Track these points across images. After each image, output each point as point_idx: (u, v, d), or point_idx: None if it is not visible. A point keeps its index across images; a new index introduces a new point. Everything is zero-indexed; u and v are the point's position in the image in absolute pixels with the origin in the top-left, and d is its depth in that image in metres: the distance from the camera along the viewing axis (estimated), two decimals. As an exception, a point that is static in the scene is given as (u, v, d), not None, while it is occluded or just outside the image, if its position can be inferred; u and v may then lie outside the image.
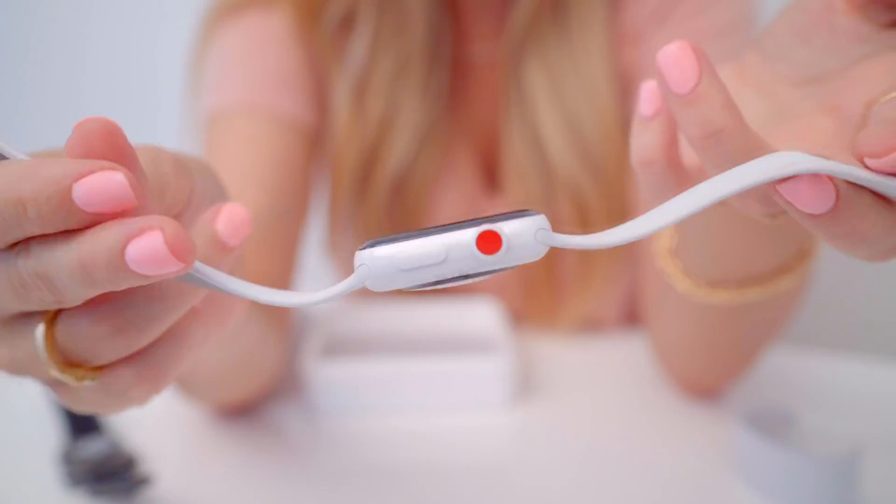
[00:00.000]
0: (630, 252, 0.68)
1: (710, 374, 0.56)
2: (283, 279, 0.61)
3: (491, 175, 0.71)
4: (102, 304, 0.24)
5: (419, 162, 0.68)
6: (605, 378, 0.62)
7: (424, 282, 0.23)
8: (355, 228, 0.71)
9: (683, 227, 0.46)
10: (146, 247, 0.21)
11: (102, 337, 0.24)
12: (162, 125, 1.16)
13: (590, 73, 0.63)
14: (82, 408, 0.27)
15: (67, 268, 0.22)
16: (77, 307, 0.24)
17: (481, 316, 0.65)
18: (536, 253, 0.22)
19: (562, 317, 0.69)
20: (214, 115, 0.64)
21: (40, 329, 0.24)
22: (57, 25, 1.54)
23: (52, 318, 0.25)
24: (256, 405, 0.57)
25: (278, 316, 0.56)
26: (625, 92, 0.65)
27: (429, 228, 0.22)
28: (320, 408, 0.56)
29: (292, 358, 0.62)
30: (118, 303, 0.25)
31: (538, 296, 0.70)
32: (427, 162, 0.68)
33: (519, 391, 0.58)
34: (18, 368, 0.26)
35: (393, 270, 0.22)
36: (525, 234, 0.22)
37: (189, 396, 0.52)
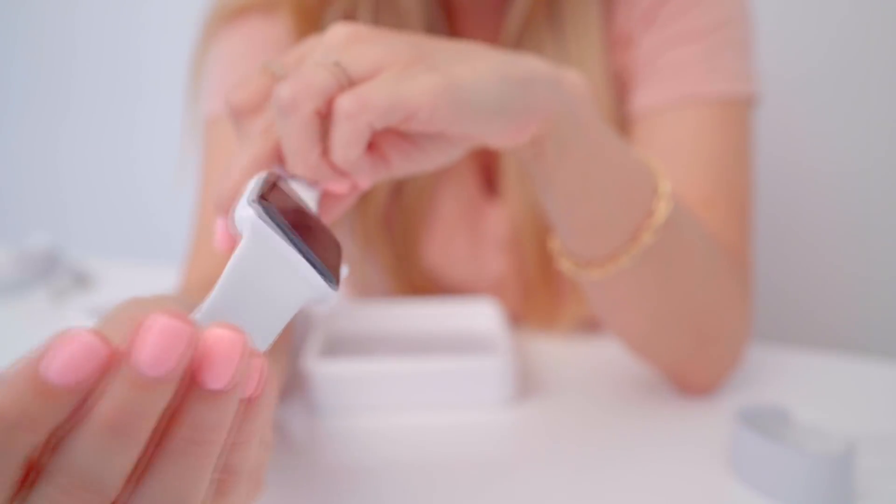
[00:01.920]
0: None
1: (671, 363, 0.57)
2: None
3: (489, 178, 0.72)
4: None
5: None
6: (603, 377, 0.62)
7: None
8: (354, 232, 0.72)
9: (549, 212, 0.49)
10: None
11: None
12: (163, 128, 1.17)
13: (585, 74, 0.64)
14: None
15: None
16: None
17: (481, 316, 0.66)
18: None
19: (559, 318, 0.70)
20: (213, 119, 0.64)
21: None
22: (57, 26, 1.54)
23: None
24: None
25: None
26: (623, 91, 0.66)
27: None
28: (321, 406, 0.57)
29: (293, 357, 0.63)
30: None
31: (536, 298, 0.70)
32: None
33: (518, 390, 0.59)
34: None
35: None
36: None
37: None
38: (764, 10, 0.73)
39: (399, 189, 0.69)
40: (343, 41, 0.37)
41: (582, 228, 0.48)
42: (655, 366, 0.58)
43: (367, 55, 0.36)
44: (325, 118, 0.35)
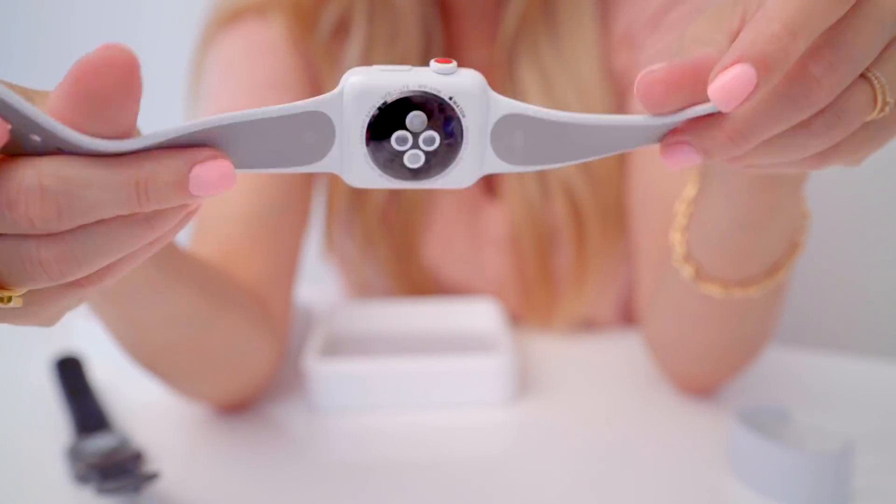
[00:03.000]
0: (625, 253, 0.69)
1: (703, 371, 0.57)
2: (283, 277, 0.61)
3: (488, 178, 0.72)
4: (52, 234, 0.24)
5: None
6: (603, 376, 0.63)
7: (392, 89, 0.27)
8: (353, 232, 0.72)
9: (694, 212, 0.47)
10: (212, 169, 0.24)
11: (46, 263, 0.24)
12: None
13: (581, 74, 0.64)
14: None
15: (119, 186, 0.23)
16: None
17: (481, 315, 0.66)
18: (475, 87, 0.27)
19: (558, 317, 0.70)
20: None
21: None
22: (54, 27, 1.54)
23: None
24: (251, 402, 0.58)
25: (271, 317, 0.57)
26: (621, 93, 0.66)
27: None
28: (321, 405, 0.57)
29: (293, 356, 0.63)
30: (71, 234, 0.24)
31: (535, 297, 0.71)
32: None
33: (517, 389, 0.59)
34: None
35: (371, 72, 0.27)
36: (469, 71, 0.28)
37: (176, 386, 0.53)
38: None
39: (397, 189, 0.69)
40: None
41: (734, 252, 0.45)
42: (680, 372, 0.58)
43: None
44: None
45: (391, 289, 0.74)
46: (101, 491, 0.44)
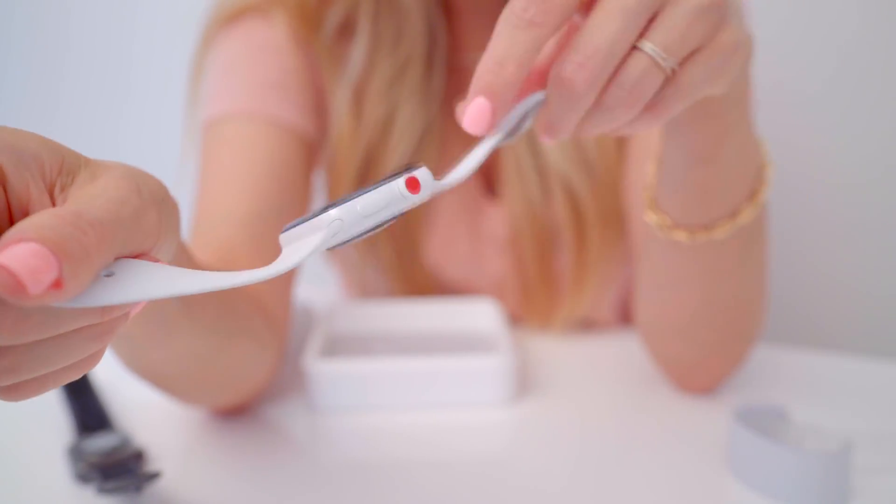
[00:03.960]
0: (624, 254, 0.69)
1: (695, 356, 0.57)
2: (283, 278, 0.61)
3: (488, 178, 0.72)
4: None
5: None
6: (602, 376, 0.63)
7: (373, 225, 0.30)
8: None
9: (657, 165, 0.50)
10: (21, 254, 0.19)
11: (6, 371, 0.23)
12: (162, 130, 1.17)
13: None
14: None
15: None
16: None
17: (480, 315, 0.66)
18: (428, 193, 0.31)
19: (558, 318, 0.70)
20: (212, 122, 0.65)
21: None
22: (52, 27, 1.54)
23: None
24: (252, 405, 0.58)
25: (273, 325, 0.57)
26: None
27: (361, 189, 0.30)
28: (321, 406, 0.57)
29: (293, 356, 0.63)
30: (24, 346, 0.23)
31: (535, 297, 0.71)
32: (425, 164, 0.68)
33: (517, 389, 0.59)
34: None
35: (358, 217, 0.29)
36: (428, 178, 0.31)
37: (180, 401, 0.54)
38: (764, 13, 0.73)
39: None
40: None
41: (694, 190, 0.48)
42: (673, 359, 0.58)
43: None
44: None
45: (392, 289, 0.74)
46: (102, 490, 0.44)
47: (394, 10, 0.65)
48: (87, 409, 0.54)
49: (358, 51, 0.66)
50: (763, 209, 0.50)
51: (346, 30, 0.67)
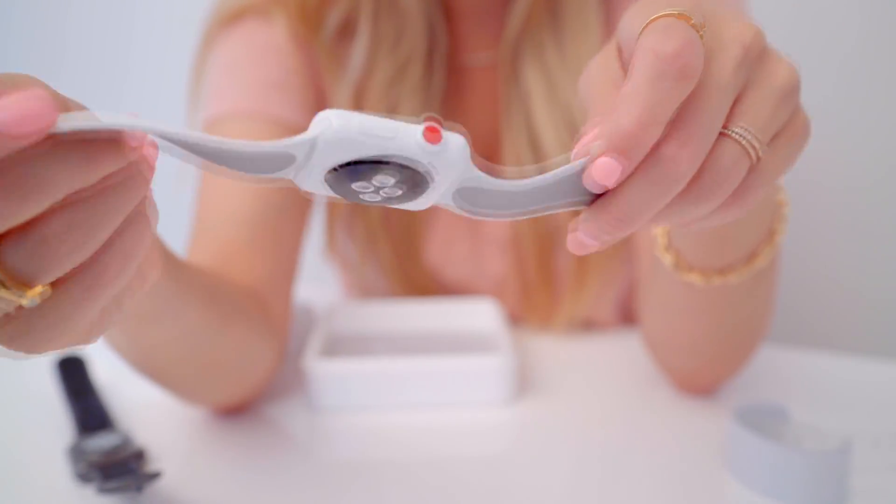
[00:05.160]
0: (625, 254, 0.69)
1: (699, 366, 0.57)
2: (283, 278, 0.61)
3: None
4: (49, 211, 0.24)
5: None
6: (602, 376, 0.63)
7: (369, 154, 0.25)
8: (354, 233, 0.72)
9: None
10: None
11: (55, 240, 0.24)
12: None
13: None
14: (24, 343, 0.26)
15: None
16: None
17: (480, 315, 0.66)
18: (459, 161, 0.27)
19: (558, 318, 0.70)
20: (212, 123, 0.65)
21: None
22: (51, 27, 1.54)
23: None
24: (252, 404, 0.58)
25: (272, 321, 0.57)
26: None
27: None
28: (321, 405, 0.57)
29: (293, 356, 0.63)
30: (65, 205, 0.24)
31: (535, 297, 0.71)
32: None
33: (517, 389, 0.59)
34: None
35: (352, 132, 0.25)
36: (458, 143, 0.27)
37: (179, 395, 0.54)
38: (763, 12, 0.73)
39: None
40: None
41: (708, 236, 0.46)
42: (676, 368, 0.58)
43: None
44: None
45: (392, 289, 0.74)
46: (103, 490, 0.44)
47: (394, 11, 0.65)
48: (87, 408, 0.54)
49: (358, 51, 0.66)
50: (780, 248, 0.48)
51: (347, 30, 0.67)
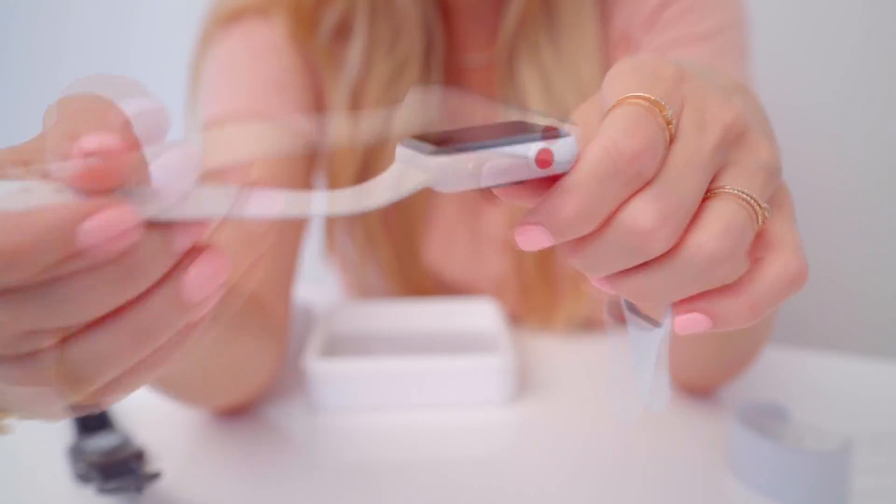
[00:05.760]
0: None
1: (697, 377, 0.57)
2: (283, 280, 0.61)
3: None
4: (115, 317, 0.23)
5: None
6: (601, 376, 0.63)
7: (485, 185, 0.26)
8: (354, 234, 0.72)
9: None
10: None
11: (118, 350, 0.23)
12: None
13: (581, 74, 0.65)
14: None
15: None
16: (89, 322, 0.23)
17: (480, 315, 0.66)
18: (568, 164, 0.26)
19: (558, 318, 0.70)
20: (210, 123, 0.65)
21: (49, 352, 0.23)
22: (51, 27, 1.54)
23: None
24: (252, 405, 0.58)
25: (274, 325, 0.57)
26: None
27: (475, 129, 0.26)
28: (321, 405, 0.57)
29: (293, 356, 0.63)
30: (130, 314, 0.24)
31: (535, 297, 0.71)
32: None
33: (517, 389, 0.59)
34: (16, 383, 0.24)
35: (465, 174, 0.26)
36: (568, 152, 0.26)
37: (182, 402, 0.53)
38: (762, 13, 0.73)
39: None
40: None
41: None
42: (678, 379, 0.58)
43: None
44: None
45: (392, 289, 0.74)
46: (103, 490, 0.44)
47: (390, 12, 0.65)
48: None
49: (355, 52, 0.66)
50: None
51: (344, 31, 0.67)
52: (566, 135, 0.26)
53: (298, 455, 0.53)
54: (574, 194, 0.26)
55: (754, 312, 0.28)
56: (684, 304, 0.29)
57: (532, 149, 0.25)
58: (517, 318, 0.73)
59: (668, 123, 0.27)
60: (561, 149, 0.26)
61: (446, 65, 0.69)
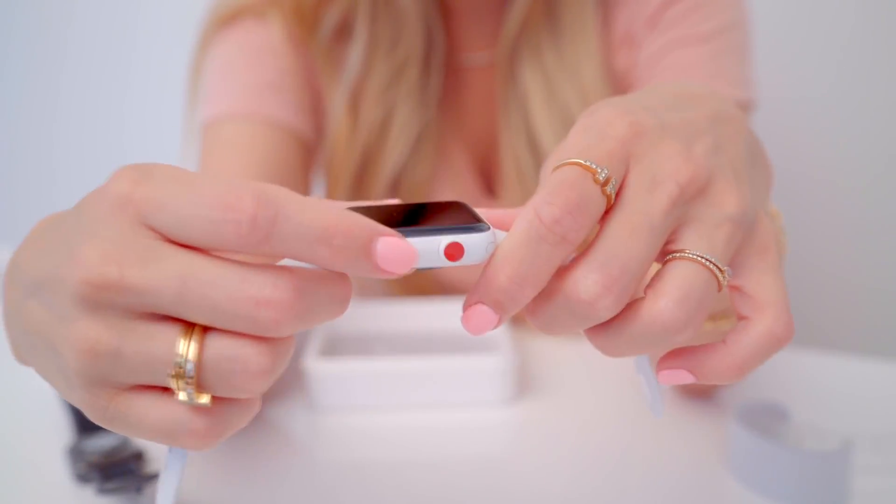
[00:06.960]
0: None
1: (700, 383, 0.57)
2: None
3: (488, 178, 0.72)
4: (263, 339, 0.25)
5: (414, 166, 0.68)
6: (602, 376, 0.63)
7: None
8: None
9: None
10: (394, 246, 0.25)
11: (257, 369, 0.25)
12: (162, 130, 1.17)
13: (583, 75, 0.65)
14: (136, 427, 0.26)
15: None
16: (241, 334, 0.25)
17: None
18: (482, 260, 0.28)
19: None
20: (209, 124, 0.65)
21: (188, 341, 0.24)
22: (52, 27, 1.54)
23: (201, 332, 0.24)
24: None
25: None
26: (622, 94, 0.66)
27: (405, 228, 0.27)
28: (321, 405, 0.57)
29: (294, 356, 0.63)
30: (279, 342, 0.26)
31: (535, 297, 0.71)
32: (422, 166, 0.69)
33: (517, 389, 0.59)
34: (133, 367, 0.25)
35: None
36: (479, 246, 0.27)
37: None
38: (762, 12, 0.73)
39: (396, 190, 0.69)
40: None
41: None
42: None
43: None
44: None
45: (391, 289, 0.74)
46: (102, 490, 0.44)
47: (391, 12, 0.65)
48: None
49: (355, 53, 0.66)
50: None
51: (343, 31, 0.67)
52: (483, 230, 0.27)
53: (298, 455, 0.53)
54: (504, 262, 0.26)
55: (739, 373, 0.28)
56: (669, 358, 0.30)
57: (443, 242, 0.27)
58: (517, 318, 0.73)
59: (604, 185, 0.27)
60: (473, 242, 0.27)
61: (447, 65, 0.69)
